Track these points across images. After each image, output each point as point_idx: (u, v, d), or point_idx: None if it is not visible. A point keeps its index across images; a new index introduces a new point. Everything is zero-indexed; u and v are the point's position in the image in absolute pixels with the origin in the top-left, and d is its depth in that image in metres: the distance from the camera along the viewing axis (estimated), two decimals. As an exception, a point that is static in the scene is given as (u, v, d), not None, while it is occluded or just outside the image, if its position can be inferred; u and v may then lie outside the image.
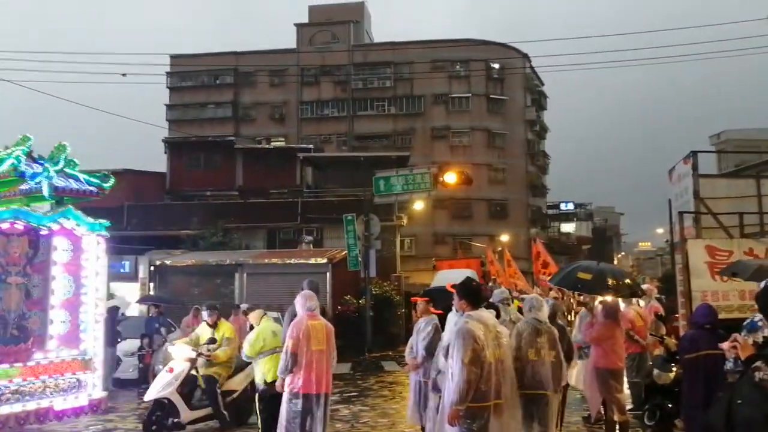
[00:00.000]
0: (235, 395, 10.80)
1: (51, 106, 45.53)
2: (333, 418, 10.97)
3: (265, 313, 9.77)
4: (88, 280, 11.22)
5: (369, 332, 23.36)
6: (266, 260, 23.67)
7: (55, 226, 10.75)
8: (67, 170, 11.08)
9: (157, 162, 51.88)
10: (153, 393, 9.80)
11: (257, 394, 9.31)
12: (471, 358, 5.32)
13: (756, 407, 3.80)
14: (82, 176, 11.36)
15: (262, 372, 9.17)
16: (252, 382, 11.24)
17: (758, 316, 5.46)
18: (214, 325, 10.65)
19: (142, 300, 20.22)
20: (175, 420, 9.89)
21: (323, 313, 9.77)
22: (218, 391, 10.31)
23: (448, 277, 21.46)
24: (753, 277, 8.84)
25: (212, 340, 10.30)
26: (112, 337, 15.58)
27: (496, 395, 5.51)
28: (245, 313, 17.19)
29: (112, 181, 11.80)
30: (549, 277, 19.95)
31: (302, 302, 7.92)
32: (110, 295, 21.62)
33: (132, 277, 23.29)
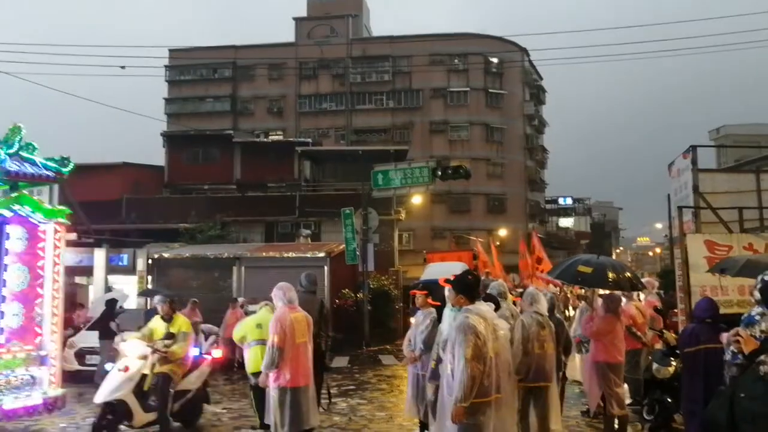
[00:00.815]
0: (189, 395, 9.87)
1: (50, 99, 45.44)
2: (331, 411, 10.97)
3: (267, 304, 9.51)
4: (44, 270, 10.44)
5: (367, 326, 23.37)
6: (264, 254, 23.63)
7: (7, 213, 10.09)
8: (22, 154, 10.43)
9: (156, 155, 51.83)
10: (104, 394, 8.98)
11: (250, 386, 9.30)
12: (473, 354, 5.30)
13: (759, 401, 3.78)
14: (39, 160, 10.77)
15: (246, 362, 9.24)
16: (206, 382, 10.65)
17: (755, 310, 5.43)
18: (169, 319, 9.53)
19: (144, 293, 20.20)
20: (128, 423, 9.18)
21: (321, 307, 9.78)
22: (171, 391, 9.35)
23: (438, 270, 21.40)
24: (741, 272, 8.79)
25: (170, 335, 9.34)
26: (109, 330, 15.57)
27: (497, 389, 5.50)
28: (242, 306, 17.32)
29: (71, 165, 11.15)
30: (543, 274, 19.94)
31: (281, 295, 7.81)
32: (108, 288, 21.64)
33: (130, 270, 23.28)
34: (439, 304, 8.43)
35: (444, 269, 21.15)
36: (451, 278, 6.30)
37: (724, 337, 4.91)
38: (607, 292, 9.44)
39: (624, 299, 10.21)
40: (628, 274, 9.36)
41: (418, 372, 8.62)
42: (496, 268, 26.90)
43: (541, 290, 11.06)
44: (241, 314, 17.49)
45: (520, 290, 14.76)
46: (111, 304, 16.11)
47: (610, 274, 8.97)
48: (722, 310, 10.45)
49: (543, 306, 7.72)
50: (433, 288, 9.34)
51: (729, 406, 3.98)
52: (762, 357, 3.85)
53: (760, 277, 5.52)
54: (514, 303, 9.12)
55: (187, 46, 59.00)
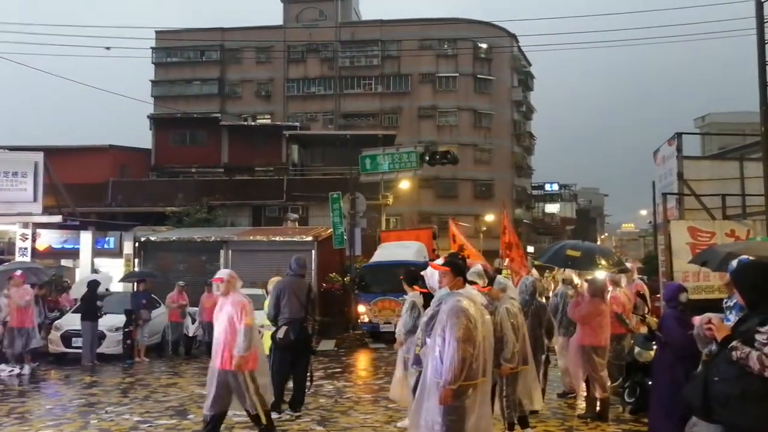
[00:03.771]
0: None
1: (34, 80, 45.08)
2: (317, 393, 11.06)
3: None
4: None
5: (353, 310, 23.44)
6: (251, 237, 23.62)
7: None
8: None
9: (143, 138, 51.53)
10: None
11: None
12: (465, 337, 5.36)
13: (732, 383, 3.87)
14: None
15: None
16: None
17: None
18: None
19: (126, 278, 20.13)
20: None
21: (309, 291, 9.83)
22: None
23: (392, 251, 21.03)
24: (721, 267, 8.88)
25: None
26: (93, 312, 15.57)
27: (483, 373, 5.56)
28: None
29: None
30: (507, 261, 19.89)
31: (237, 281, 8.21)
32: (94, 271, 21.58)
33: (117, 253, 23.20)
34: (426, 291, 8.47)
35: (398, 249, 20.81)
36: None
37: (697, 320, 5.01)
38: (597, 275, 9.57)
39: (610, 286, 10.34)
40: (617, 258, 9.48)
41: (404, 355, 8.71)
42: (463, 249, 26.66)
43: (526, 275, 11.19)
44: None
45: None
46: (93, 285, 16.08)
47: (599, 258, 9.11)
48: (704, 296, 10.64)
49: (514, 291, 7.95)
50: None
51: (703, 390, 4.06)
52: (735, 343, 3.93)
53: (735, 263, 5.61)
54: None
55: (174, 28, 58.59)
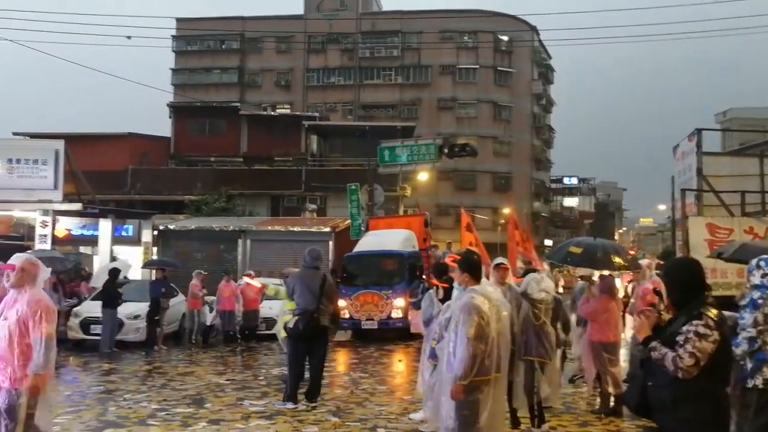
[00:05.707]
0: None
1: (55, 68, 45.40)
2: (333, 384, 11.12)
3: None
4: None
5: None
6: (270, 227, 23.77)
7: None
8: None
9: (162, 126, 51.77)
10: None
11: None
12: (476, 334, 5.38)
13: (665, 390, 3.80)
14: None
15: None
16: None
17: (755, 294, 5.48)
18: None
19: (149, 264, 20.31)
20: None
21: (323, 282, 9.84)
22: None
23: (377, 240, 19.64)
24: (735, 255, 8.90)
25: None
26: (114, 299, 15.71)
27: (496, 369, 5.58)
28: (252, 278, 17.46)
29: None
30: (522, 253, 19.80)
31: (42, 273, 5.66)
32: (113, 258, 21.76)
33: (135, 241, 23.37)
34: (447, 285, 8.44)
35: (385, 237, 19.64)
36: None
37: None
38: (606, 272, 9.58)
39: (630, 281, 10.35)
40: (618, 258, 9.44)
41: (424, 346, 8.78)
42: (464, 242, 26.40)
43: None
44: (235, 287, 17.52)
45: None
46: (114, 273, 16.20)
47: (599, 255, 9.11)
48: (720, 292, 10.61)
49: (551, 286, 8.12)
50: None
51: (641, 392, 4.01)
52: (653, 343, 3.85)
53: (755, 261, 5.57)
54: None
55: (195, 16, 58.76)
